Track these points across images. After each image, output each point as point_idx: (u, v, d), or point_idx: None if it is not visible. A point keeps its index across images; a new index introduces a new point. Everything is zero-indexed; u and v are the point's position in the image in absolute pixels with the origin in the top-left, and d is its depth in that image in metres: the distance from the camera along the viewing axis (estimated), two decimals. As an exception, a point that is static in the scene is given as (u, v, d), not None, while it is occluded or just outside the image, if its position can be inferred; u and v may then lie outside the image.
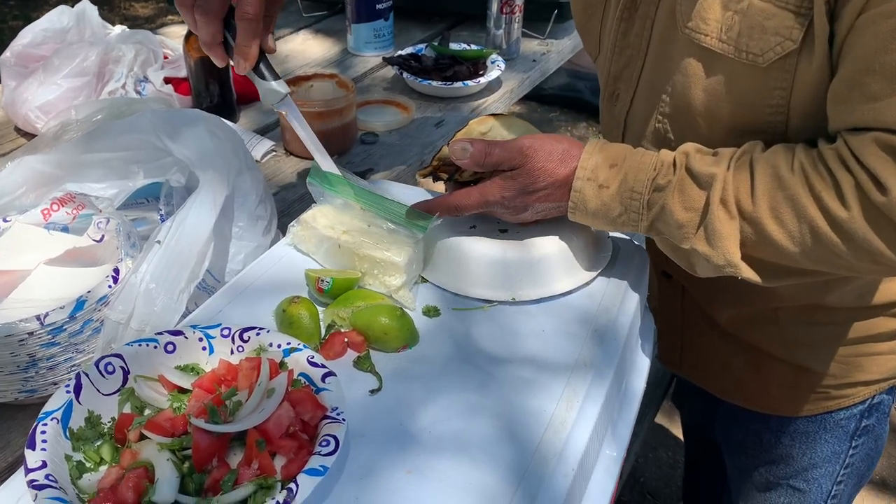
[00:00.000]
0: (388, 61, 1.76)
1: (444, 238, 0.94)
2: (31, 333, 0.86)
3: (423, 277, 0.96)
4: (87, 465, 0.69)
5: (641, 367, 0.95)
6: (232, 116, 1.58)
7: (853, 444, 1.12)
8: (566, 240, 0.93)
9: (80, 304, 0.88)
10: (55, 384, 0.91)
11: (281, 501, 0.60)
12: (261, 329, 0.78)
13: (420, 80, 1.68)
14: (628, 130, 0.98)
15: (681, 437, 2.12)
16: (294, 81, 1.51)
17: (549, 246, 0.92)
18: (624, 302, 0.93)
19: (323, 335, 0.86)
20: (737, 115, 0.84)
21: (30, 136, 1.52)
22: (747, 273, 0.81)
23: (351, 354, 0.84)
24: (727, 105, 0.84)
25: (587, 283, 0.94)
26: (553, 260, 0.92)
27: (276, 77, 0.94)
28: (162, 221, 1.04)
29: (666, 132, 0.91)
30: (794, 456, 1.14)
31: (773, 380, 1.09)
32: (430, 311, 0.91)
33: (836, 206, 0.74)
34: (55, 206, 1.01)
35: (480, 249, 0.92)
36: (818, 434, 1.11)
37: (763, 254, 0.80)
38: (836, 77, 0.76)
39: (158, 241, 0.93)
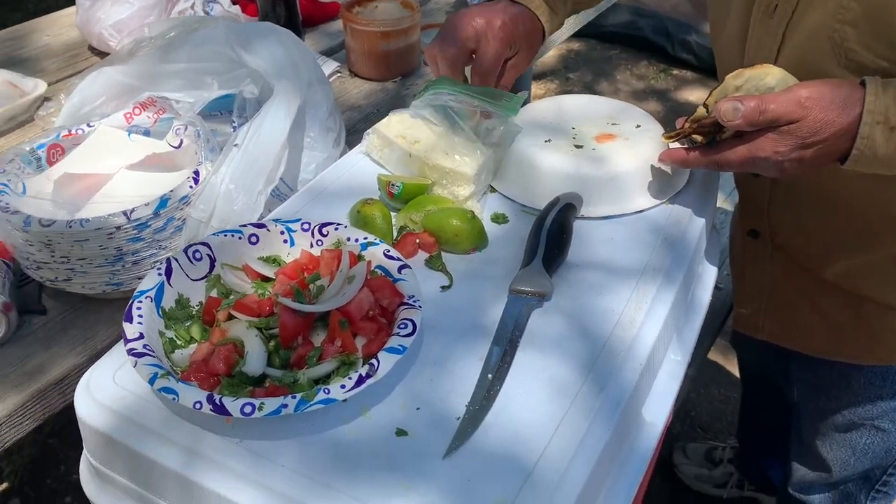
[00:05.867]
0: (452, -14, 1.75)
1: (517, 149, 0.95)
2: (118, 228, 0.90)
3: (492, 187, 0.97)
4: (178, 342, 0.73)
5: (707, 279, 0.95)
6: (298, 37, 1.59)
7: None
8: (644, 158, 0.92)
9: (163, 201, 0.92)
10: (139, 279, 0.95)
11: (364, 375, 0.64)
12: (339, 224, 0.81)
13: (484, 4, 1.66)
14: (786, 44, 0.91)
15: (734, 373, 2.12)
16: (358, 2, 1.52)
17: (627, 163, 0.91)
18: (694, 214, 0.92)
19: (395, 237, 0.89)
20: None
21: (103, 54, 1.56)
22: None
23: (422, 256, 0.87)
24: None
25: (660, 204, 0.93)
26: (629, 178, 0.91)
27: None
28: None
29: (843, 41, 0.84)
30: (883, 397, 1.12)
31: (886, 330, 1.05)
32: (499, 218, 0.92)
33: None
34: (137, 111, 1.04)
35: (553, 163, 0.92)
36: None
37: None
38: None
39: (236, 145, 0.96)
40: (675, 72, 3.71)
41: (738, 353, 1.62)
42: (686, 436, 1.97)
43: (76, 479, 1.94)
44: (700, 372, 2.06)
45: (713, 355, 2.16)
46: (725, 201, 1.97)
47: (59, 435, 1.96)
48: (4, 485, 1.86)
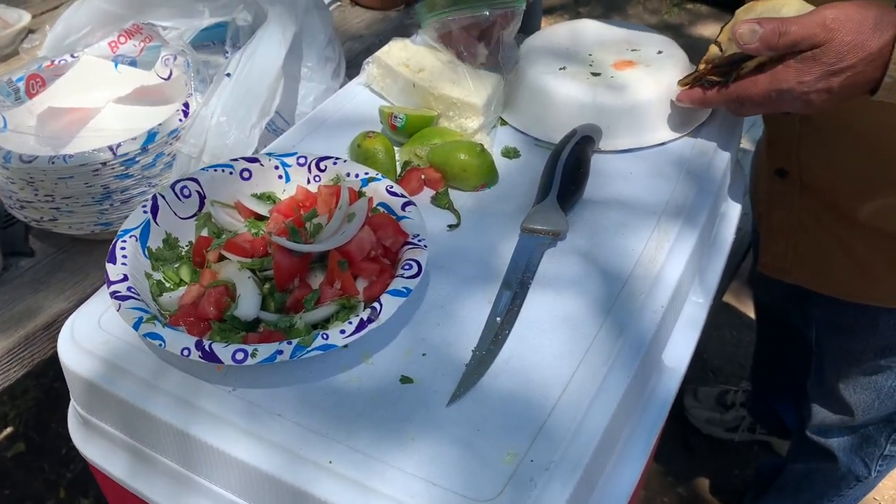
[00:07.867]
0: None
1: (530, 78, 0.88)
2: (104, 164, 0.84)
3: (502, 120, 0.91)
4: (167, 284, 0.68)
5: (732, 217, 0.89)
6: (295, -35, 1.51)
7: None
8: (667, 86, 0.85)
9: (151, 135, 0.86)
10: (130, 219, 0.91)
11: (365, 319, 0.59)
12: (337, 159, 0.75)
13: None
14: None
15: (746, 315, 2.08)
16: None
17: (648, 91, 0.85)
18: (719, 147, 0.86)
19: (399, 173, 0.83)
20: None
21: (91, -16, 1.48)
22: None
23: (427, 194, 0.81)
24: None
25: (683, 136, 0.87)
26: (650, 107, 0.85)
27: None
28: (229, 61, 1.00)
29: None
30: None
31: None
32: (510, 153, 0.86)
33: None
34: (122, 39, 0.98)
35: (569, 92, 0.85)
36: None
37: None
38: None
39: (228, 74, 0.90)
40: (689, 6, 3.57)
41: (754, 295, 1.57)
42: (697, 379, 1.94)
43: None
44: (712, 314, 2.02)
45: (725, 297, 2.11)
46: (744, 139, 1.89)
47: (63, 379, 1.94)
48: (9, 429, 1.85)
